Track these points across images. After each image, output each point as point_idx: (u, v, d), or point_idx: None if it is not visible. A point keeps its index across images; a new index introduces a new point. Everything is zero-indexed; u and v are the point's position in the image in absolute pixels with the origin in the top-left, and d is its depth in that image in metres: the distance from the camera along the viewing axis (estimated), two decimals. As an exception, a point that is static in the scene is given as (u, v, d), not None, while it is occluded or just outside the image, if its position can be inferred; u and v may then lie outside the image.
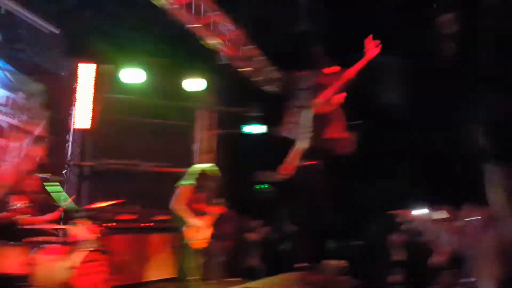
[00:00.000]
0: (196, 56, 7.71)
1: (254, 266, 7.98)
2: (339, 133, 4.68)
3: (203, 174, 5.54)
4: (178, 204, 5.36)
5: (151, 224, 6.88)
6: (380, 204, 7.45)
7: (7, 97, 6.80)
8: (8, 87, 6.81)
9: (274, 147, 8.63)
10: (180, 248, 5.50)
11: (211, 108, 8.55)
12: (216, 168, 5.58)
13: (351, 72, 5.04)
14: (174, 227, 6.93)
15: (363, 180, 8.02)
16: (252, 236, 8.31)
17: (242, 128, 8.71)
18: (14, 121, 6.91)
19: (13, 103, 6.90)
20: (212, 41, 6.69)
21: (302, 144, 5.08)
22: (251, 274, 7.13)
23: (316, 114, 4.62)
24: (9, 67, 6.77)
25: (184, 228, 5.42)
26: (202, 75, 8.11)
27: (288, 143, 8.24)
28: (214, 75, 8.07)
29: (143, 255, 6.62)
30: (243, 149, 8.57)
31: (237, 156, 8.24)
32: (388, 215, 7.22)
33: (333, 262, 6.57)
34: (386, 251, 6.92)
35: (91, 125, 7.76)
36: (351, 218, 7.83)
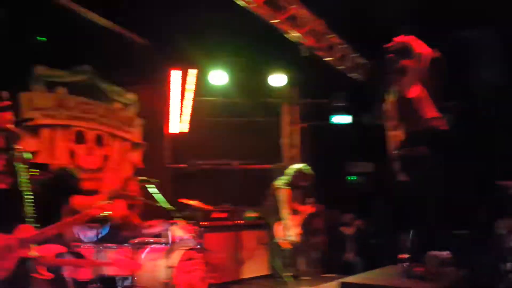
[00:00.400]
0: (277, 51, 7.69)
1: (350, 261, 7.80)
2: (431, 113, 4.36)
3: (298, 174, 5.60)
4: (284, 206, 5.45)
5: (242, 221, 6.99)
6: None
7: (106, 109, 7.31)
8: (107, 100, 7.32)
9: (363, 136, 8.39)
10: (271, 246, 5.58)
11: (296, 101, 8.48)
12: (308, 167, 5.61)
13: (435, 53, 4.68)
14: (264, 224, 7.04)
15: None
16: (347, 230, 8.13)
17: (329, 119, 8.53)
18: (114, 131, 7.42)
19: (111, 114, 7.40)
20: (294, 34, 6.61)
21: (395, 131, 4.82)
22: (347, 269, 6.97)
23: (406, 97, 4.35)
24: (104, 81, 7.26)
25: (274, 227, 5.49)
26: (285, 70, 8.08)
27: (378, 132, 7.96)
28: (297, 68, 8.00)
29: (236, 252, 6.74)
30: (331, 140, 8.39)
31: (325, 148, 8.09)
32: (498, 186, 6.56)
33: (436, 253, 6.23)
34: (496, 237, 6.41)
35: (183, 128, 8.09)
36: (455, 204, 7.31)
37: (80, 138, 6.85)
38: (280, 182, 5.66)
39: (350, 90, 8.41)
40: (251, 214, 7.10)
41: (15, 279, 3.17)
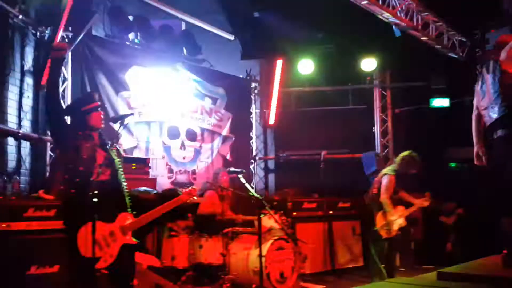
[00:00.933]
0: (367, 35, 7.41)
1: (451, 251, 7.32)
2: None
3: (407, 161, 5.39)
4: (385, 193, 5.29)
5: (334, 212, 6.84)
6: None
7: (197, 104, 7.57)
8: (196, 95, 7.58)
9: (464, 120, 7.76)
10: (370, 234, 5.43)
11: (388, 86, 8.10)
12: (415, 154, 5.36)
13: None
14: (360, 214, 6.83)
15: None
16: (447, 220, 7.64)
17: (424, 104, 8.02)
18: (205, 125, 7.67)
19: (202, 109, 7.65)
20: (386, 14, 6.31)
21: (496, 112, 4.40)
22: (447, 260, 6.54)
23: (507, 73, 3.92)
24: (196, 77, 7.53)
25: (376, 215, 5.35)
26: (375, 53, 7.76)
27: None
28: (389, 51, 7.63)
29: (329, 243, 6.62)
30: (428, 125, 7.89)
31: (421, 134, 7.62)
32: None
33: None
34: None
35: (272, 120, 8.12)
36: None
37: (173, 133, 7.16)
38: (388, 169, 5.48)
39: (448, 71, 7.84)
40: (343, 204, 6.93)
41: (119, 265, 3.37)
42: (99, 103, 3.64)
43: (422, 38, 7.02)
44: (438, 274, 2.92)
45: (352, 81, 8.16)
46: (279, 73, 7.99)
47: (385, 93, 8.05)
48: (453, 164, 8.04)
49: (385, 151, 7.81)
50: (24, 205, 4.27)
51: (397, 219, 5.35)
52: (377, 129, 7.98)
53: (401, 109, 7.95)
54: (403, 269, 6.53)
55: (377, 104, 8.07)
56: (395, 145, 7.75)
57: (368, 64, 7.73)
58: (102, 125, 3.57)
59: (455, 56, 7.64)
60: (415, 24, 6.76)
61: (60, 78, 3.42)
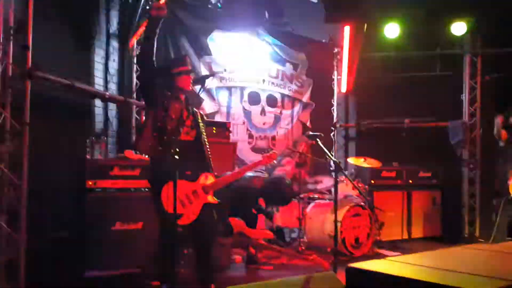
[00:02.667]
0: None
1: None
2: None
3: None
4: None
5: (414, 181, 6.70)
6: None
7: (277, 70, 7.64)
8: (277, 60, 7.63)
9: None
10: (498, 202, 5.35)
11: (479, 52, 7.58)
12: None
13: None
14: (443, 185, 6.59)
15: None
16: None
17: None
18: (285, 91, 7.73)
19: (282, 75, 7.71)
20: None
21: None
22: None
23: None
24: (277, 42, 7.55)
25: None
26: (466, 16, 7.25)
27: None
28: (481, 13, 7.10)
29: (407, 212, 6.54)
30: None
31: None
32: None
33: None
34: None
35: (353, 87, 7.97)
36: None
37: (254, 99, 7.31)
38: None
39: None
40: (424, 174, 6.77)
41: (201, 222, 3.60)
42: (190, 67, 3.81)
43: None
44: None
45: (440, 45, 7.73)
46: (347, 39, 7.75)
47: (475, 59, 7.56)
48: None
49: (473, 120, 7.41)
50: (110, 164, 4.49)
51: None
52: (465, 96, 7.56)
53: (491, 76, 7.44)
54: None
55: (466, 70, 7.61)
56: (482, 113, 7.32)
57: (457, 28, 7.27)
58: (190, 88, 3.75)
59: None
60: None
61: (155, 38, 3.56)
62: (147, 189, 4.01)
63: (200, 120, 3.76)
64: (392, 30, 7.53)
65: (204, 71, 6.62)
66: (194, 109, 3.79)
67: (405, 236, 6.49)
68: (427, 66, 7.72)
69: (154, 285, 4.06)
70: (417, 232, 6.62)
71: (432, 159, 6.65)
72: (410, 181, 6.63)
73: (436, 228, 6.81)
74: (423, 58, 7.75)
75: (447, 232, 6.89)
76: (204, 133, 3.76)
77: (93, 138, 4.96)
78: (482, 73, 7.45)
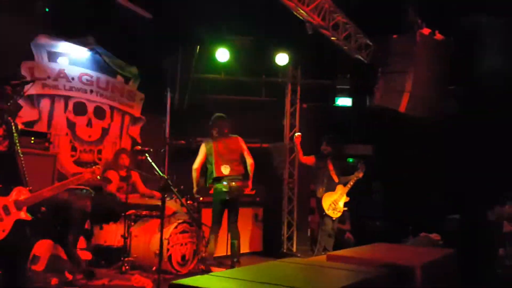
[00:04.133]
0: (281, 30, 7.61)
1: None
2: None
3: None
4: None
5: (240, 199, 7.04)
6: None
7: (107, 81, 7.32)
8: (107, 71, 7.32)
9: (364, 118, 8.33)
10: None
11: (299, 81, 8.43)
12: None
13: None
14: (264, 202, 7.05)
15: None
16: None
17: (331, 101, 8.50)
18: (115, 103, 7.44)
19: (113, 87, 7.41)
20: (300, 11, 6.51)
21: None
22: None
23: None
24: (107, 53, 7.26)
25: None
26: (288, 49, 8.00)
27: (380, 114, 7.89)
28: (300, 47, 7.92)
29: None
30: (328, 122, 8.36)
31: (325, 129, 8.07)
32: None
33: (430, 236, 6.39)
34: (492, 223, 6.48)
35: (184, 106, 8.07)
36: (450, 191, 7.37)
37: (80, 109, 6.88)
38: None
39: (356, 71, 8.31)
40: (249, 192, 7.15)
41: (12, 240, 3.25)
42: None
43: (332, 38, 7.34)
44: (327, 256, 3.23)
45: (267, 73, 8.39)
46: (182, 59, 7.96)
47: (295, 88, 8.38)
48: (350, 160, 8.58)
49: (292, 143, 8.16)
50: None
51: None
52: (286, 121, 8.30)
53: (308, 104, 8.36)
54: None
55: (288, 98, 8.38)
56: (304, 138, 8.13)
57: (279, 58, 7.97)
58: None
59: (361, 58, 8.09)
60: (326, 23, 7.02)
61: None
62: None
63: (14, 130, 3.42)
64: (223, 54, 7.88)
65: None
66: (8, 118, 3.44)
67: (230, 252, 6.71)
68: (256, 91, 8.30)
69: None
70: (242, 247, 6.90)
71: (255, 178, 7.07)
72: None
73: (259, 243, 7.22)
74: (251, 84, 8.29)
75: (268, 247, 7.37)
76: (18, 144, 3.43)
77: None
78: (301, 101, 8.30)
